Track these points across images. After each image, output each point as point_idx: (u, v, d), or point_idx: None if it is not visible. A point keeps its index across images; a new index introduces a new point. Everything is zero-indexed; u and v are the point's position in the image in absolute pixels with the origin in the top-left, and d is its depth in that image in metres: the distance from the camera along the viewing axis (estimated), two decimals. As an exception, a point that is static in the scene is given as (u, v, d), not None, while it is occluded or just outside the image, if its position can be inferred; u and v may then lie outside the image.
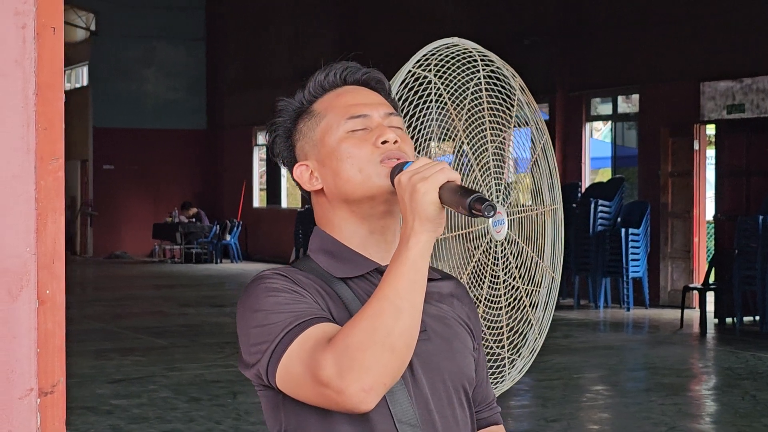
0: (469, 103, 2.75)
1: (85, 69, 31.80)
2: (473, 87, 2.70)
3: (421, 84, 2.77)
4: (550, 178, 2.85)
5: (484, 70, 2.67)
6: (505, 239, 2.70)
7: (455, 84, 2.76)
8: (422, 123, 2.79)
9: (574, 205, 17.57)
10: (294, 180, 2.28)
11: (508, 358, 2.84)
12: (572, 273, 17.55)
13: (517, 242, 2.70)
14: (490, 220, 2.50)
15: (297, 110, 2.28)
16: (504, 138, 2.98)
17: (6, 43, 1.94)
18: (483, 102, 2.67)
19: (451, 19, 21.64)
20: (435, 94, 2.68)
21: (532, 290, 2.86)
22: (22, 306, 1.95)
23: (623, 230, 16.95)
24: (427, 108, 2.74)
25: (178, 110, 31.01)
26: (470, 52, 2.69)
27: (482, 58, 2.68)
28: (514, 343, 2.93)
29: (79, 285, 24.13)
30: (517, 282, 2.87)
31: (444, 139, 2.94)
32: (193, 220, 29.07)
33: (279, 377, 2.04)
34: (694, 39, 16.98)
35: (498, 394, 3.29)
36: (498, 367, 2.93)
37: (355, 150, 2.17)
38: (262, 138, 29.64)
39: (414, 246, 2.00)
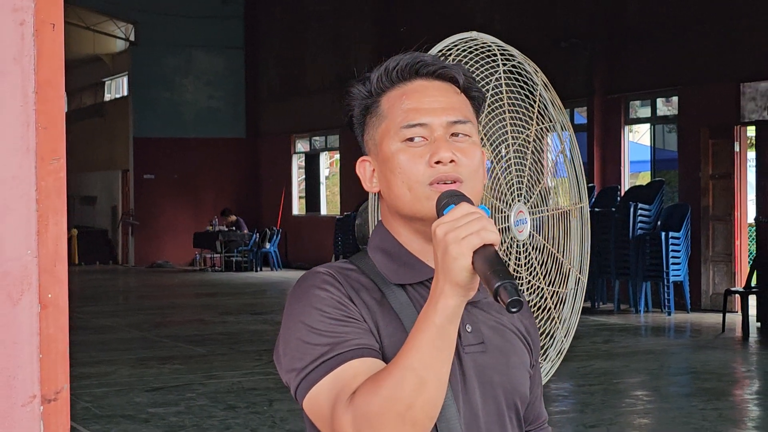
0: (489, 98, 2.66)
1: (125, 79, 31.99)
2: (494, 82, 2.61)
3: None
4: (575, 176, 2.75)
5: (504, 65, 2.58)
6: (529, 239, 2.62)
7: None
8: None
9: (613, 209, 17.43)
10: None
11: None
12: (612, 277, 17.41)
13: (543, 243, 2.61)
14: (512, 219, 2.42)
15: (365, 99, 2.13)
16: (527, 136, 2.89)
17: (4, 41, 1.89)
18: (503, 99, 2.58)
19: (486, 20, 21.58)
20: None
21: (555, 291, 2.77)
22: (23, 310, 1.90)
23: (663, 234, 16.77)
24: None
25: (217, 119, 31.08)
26: (489, 46, 2.60)
27: (502, 52, 2.59)
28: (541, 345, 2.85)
29: (121, 294, 24.23)
30: (541, 283, 2.78)
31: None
32: (233, 228, 29.11)
33: (305, 404, 1.97)
34: (733, 39, 16.80)
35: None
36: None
37: (407, 166, 2.03)
38: (301, 145, 29.69)
39: (443, 311, 1.83)
